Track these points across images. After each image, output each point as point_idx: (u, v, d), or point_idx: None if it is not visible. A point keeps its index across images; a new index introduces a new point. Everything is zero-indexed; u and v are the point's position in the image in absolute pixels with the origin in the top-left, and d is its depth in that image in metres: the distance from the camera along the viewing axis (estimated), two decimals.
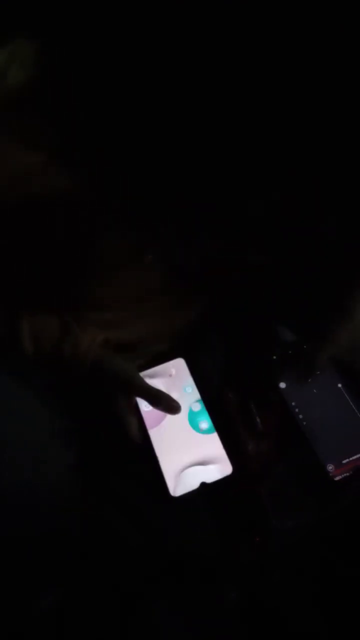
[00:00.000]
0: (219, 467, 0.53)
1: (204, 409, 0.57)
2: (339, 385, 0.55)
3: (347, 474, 0.51)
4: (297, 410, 0.54)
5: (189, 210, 0.49)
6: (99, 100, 0.42)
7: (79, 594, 0.55)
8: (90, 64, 0.41)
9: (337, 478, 0.51)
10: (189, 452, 0.55)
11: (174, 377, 0.60)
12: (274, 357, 0.58)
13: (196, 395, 0.58)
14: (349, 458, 0.52)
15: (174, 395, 0.58)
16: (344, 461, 0.52)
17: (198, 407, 0.58)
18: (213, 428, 0.56)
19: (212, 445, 0.55)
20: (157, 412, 0.58)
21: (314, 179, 0.45)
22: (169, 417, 0.57)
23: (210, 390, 0.61)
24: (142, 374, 0.60)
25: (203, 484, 0.53)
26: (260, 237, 0.51)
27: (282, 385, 0.56)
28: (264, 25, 0.36)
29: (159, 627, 0.55)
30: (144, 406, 0.58)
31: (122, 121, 0.42)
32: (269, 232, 0.50)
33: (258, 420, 0.59)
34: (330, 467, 0.52)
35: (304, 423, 0.53)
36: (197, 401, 0.58)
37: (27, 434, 0.57)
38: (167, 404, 0.55)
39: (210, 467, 0.53)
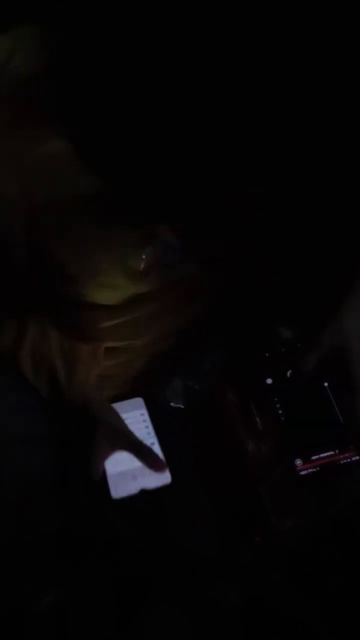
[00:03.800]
0: (158, 475, 0.55)
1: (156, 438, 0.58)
2: (325, 384, 0.56)
3: (314, 470, 0.52)
4: (278, 405, 0.55)
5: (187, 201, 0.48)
6: (100, 92, 0.41)
7: (79, 594, 0.55)
8: (93, 53, 0.40)
9: (302, 473, 0.53)
10: (133, 459, 0.56)
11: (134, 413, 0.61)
12: (267, 355, 0.58)
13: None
14: (318, 455, 0.53)
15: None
16: (313, 457, 0.53)
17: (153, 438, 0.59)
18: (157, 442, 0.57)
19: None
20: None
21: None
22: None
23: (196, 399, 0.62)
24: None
25: (142, 491, 0.54)
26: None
27: (269, 381, 0.57)
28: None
29: (158, 627, 0.55)
30: None
31: (122, 113, 0.42)
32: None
33: (258, 420, 0.59)
34: (298, 462, 0.53)
35: (282, 418, 0.54)
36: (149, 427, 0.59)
37: (28, 432, 0.57)
38: (154, 462, 0.55)
39: (150, 474, 0.55)
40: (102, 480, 0.55)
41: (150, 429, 0.59)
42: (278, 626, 0.56)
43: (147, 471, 0.55)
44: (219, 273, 0.60)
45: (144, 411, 0.60)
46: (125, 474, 0.55)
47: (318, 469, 0.53)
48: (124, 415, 0.59)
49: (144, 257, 0.53)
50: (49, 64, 0.41)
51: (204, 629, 0.55)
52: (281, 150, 0.46)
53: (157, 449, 0.57)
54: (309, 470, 0.53)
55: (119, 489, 0.54)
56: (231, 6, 0.37)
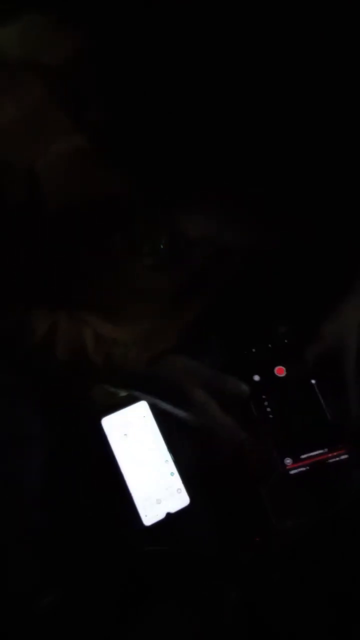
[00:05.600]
0: (178, 498, 0.56)
1: (165, 446, 0.59)
2: (313, 381, 0.56)
3: (304, 469, 0.52)
4: (266, 403, 0.55)
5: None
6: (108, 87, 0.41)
7: (79, 594, 0.55)
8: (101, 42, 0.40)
9: (292, 472, 0.52)
10: (155, 482, 0.56)
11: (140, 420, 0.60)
12: (253, 350, 0.58)
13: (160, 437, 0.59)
14: (308, 453, 0.52)
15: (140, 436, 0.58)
16: (303, 456, 0.52)
17: (163, 446, 0.59)
18: (173, 463, 0.58)
19: (173, 477, 0.58)
20: (128, 444, 0.58)
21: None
22: (139, 450, 0.58)
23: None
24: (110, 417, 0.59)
25: (168, 514, 0.55)
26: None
27: (256, 378, 0.56)
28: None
29: (159, 627, 0.55)
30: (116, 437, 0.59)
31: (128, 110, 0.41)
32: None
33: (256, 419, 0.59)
34: (287, 461, 0.52)
35: (270, 416, 0.54)
36: (163, 443, 0.59)
37: (24, 433, 0.57)
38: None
39: (170, 498, 0.56)
40: (129, 509, 0.55)
41: (159, 437, 0.59)
42: (278, 626, 0.56)
43: (168, 493, 0.56)
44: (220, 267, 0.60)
45: (150, 417, 0.60)
46: (150, 500, 0.56)
47: (308, 468, 0.52)
48: (129, 424, 0.59)
49: (162, 247, 0.52)
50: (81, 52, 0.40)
51: (204, 629, 0.55)
52: (281, 150, 0.46)
53: (170, 462, 0.58)
54: (299, 470, 0.52)
55: (149, 517, 0.55)
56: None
